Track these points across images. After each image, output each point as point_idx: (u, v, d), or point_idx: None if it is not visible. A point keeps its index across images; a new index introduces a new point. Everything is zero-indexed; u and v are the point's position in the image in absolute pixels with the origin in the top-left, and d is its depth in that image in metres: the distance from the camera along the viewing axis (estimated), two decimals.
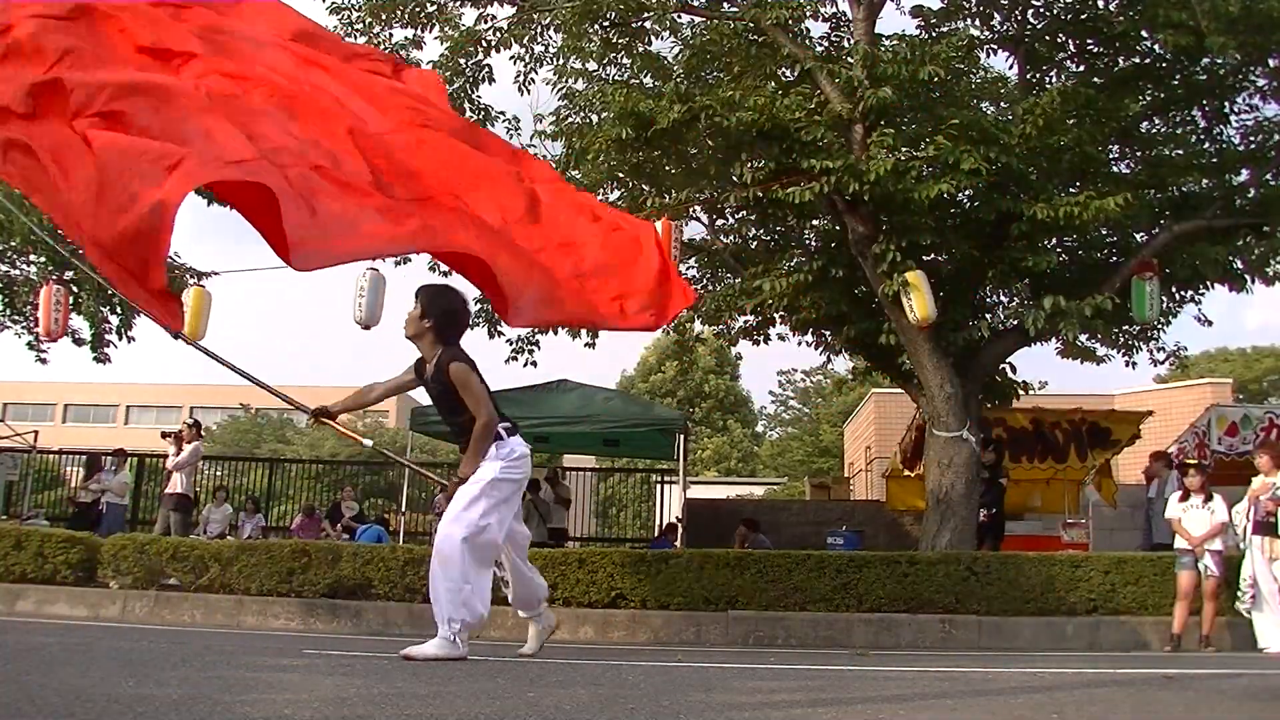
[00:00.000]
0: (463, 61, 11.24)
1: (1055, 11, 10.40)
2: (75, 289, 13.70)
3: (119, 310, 15.26)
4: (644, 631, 7.82)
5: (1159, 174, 10.53)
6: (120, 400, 54.35)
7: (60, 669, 3.61)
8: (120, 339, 15.40)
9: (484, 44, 11.17)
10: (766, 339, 12.55)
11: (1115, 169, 10.98)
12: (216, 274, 12.31)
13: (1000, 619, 7.90)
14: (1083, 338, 10.50)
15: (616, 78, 10.91)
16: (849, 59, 9.80)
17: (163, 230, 3.71)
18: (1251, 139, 10.40)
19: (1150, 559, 8.46)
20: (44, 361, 15.71)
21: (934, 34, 10.43)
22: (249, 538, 12.63)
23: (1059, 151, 9.72)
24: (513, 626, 7.91)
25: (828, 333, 12.00)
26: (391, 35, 11.22)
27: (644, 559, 8.33)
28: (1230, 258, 10.09)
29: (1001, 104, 11.27)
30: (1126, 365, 11.95)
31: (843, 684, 4.20)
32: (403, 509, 15.18)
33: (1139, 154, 11.00)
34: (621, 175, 11.30)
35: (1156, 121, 10.90)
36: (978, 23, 10.64)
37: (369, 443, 5.29)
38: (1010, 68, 11.12)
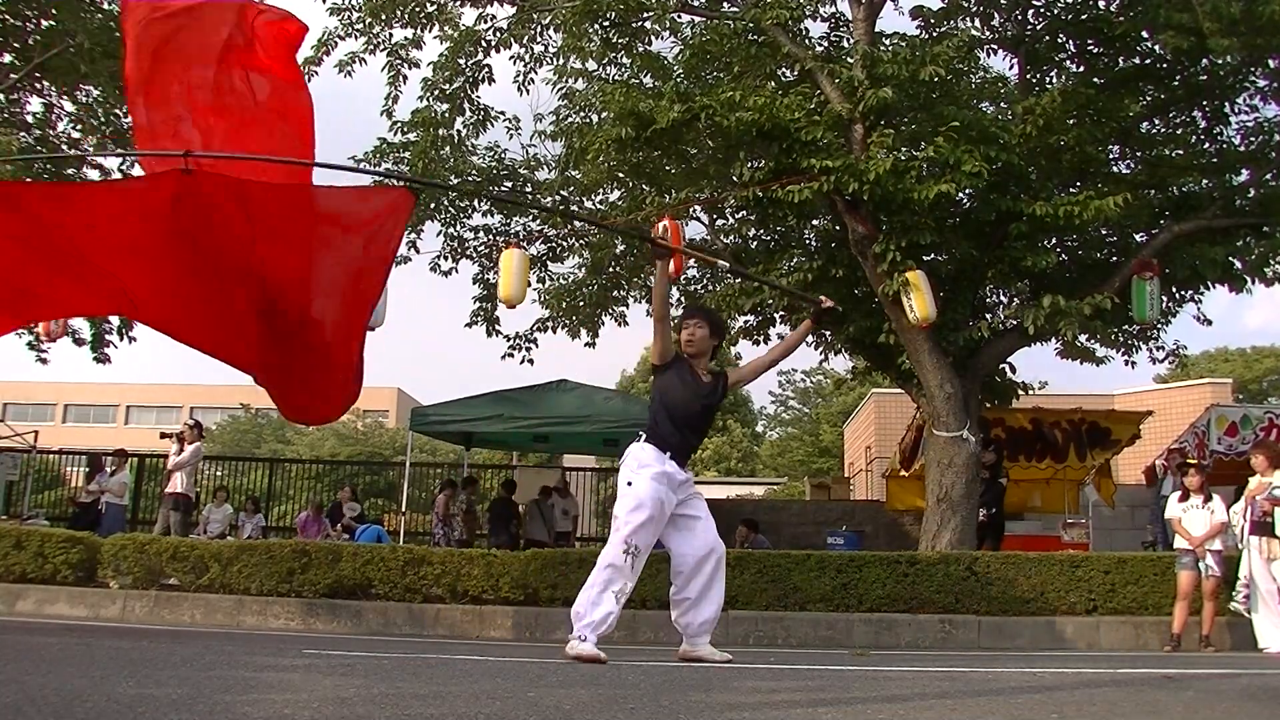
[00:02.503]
0: (463, 61, 11.24)
1: (1055, 12, 10.40)
2: None
3: None
4: (644, 631, 7.82)
5: (1159, 174, 10.53)
6: (120, 400, 54.37)
7: (60, 669, 3.62)
8: (120, 339, 15.40)
9: (484, 44, 11.17)
10: (766, 339, 12.57)
11: (1115, 169, 10.98)
12: None
13: (1000, 619, 7.90)
14: (1082, 338, 10.49)
15: (616, 78, 10.91)
16: (849, 59, 9.81)
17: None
18: (1251, 139, 10.40)
19: (1150, 559, 8.46)
20: (44, 361, 15.69)
21: (934, 34, 10.43)
22: (249, 538, 12.62)
23: (1059, 151, 9.72)
24: (512, 626, 7.92)
25: (827, 332, 12.02)
26: (391, 35, 11.23)
27: None
28: (1230, 258, 10.09)
29: (1001, 104, 11.28)
30: (1126, 365, 11.96)
31: (843, 684, 4.20)
32: (403, 509, 15.19)
33: (1139, 154, 11.00)
34: (621, 175, 11.31)
35: (1156, 122, 10.90)
36: (978, 23, 10.64)
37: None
38: (1010, 68, 11.14)
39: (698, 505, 4.98)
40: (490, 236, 12.97)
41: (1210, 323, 11.76)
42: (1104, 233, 10.78)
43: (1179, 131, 10.82)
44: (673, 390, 4.96)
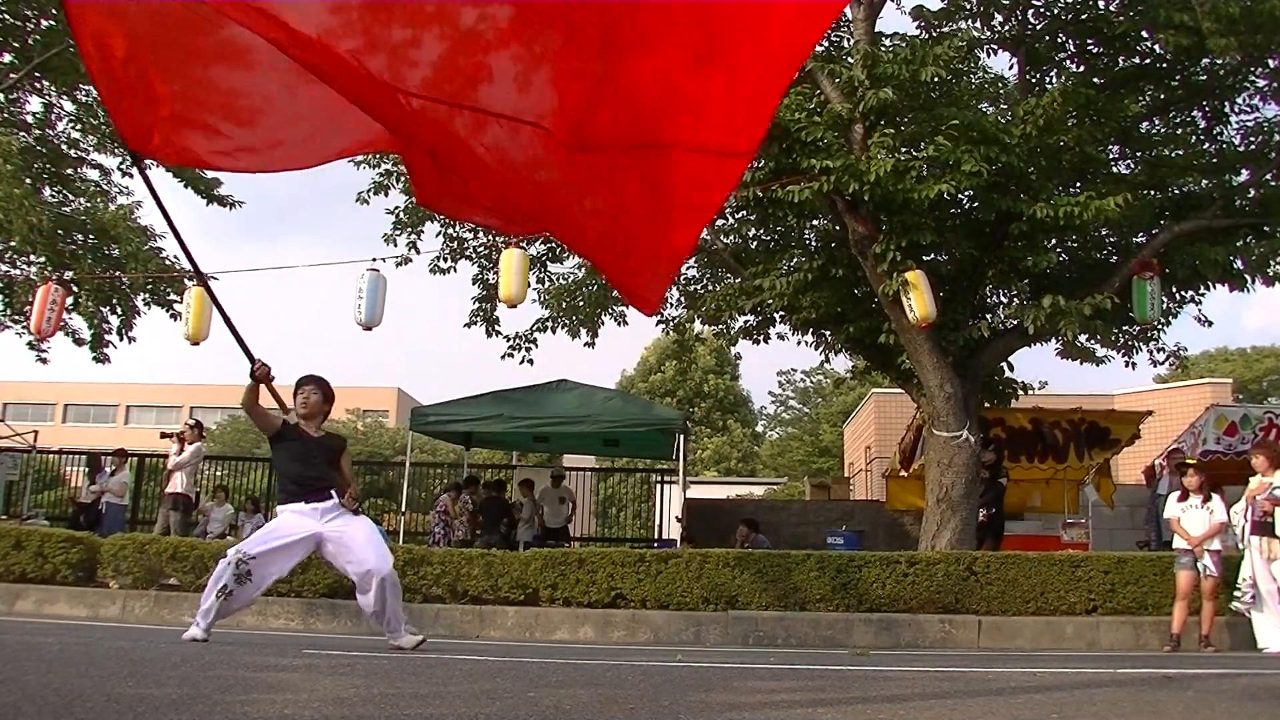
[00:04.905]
0: None
1: (1055, 11, 10.40)
2: (74, 289, 13.68)
3: (119, 310, 15.24)
4: (644, 631, 7.83)
5: (1159, 174, 10.54)
6: (120, 400, 54.34)
7: (60, 669, 3.61)
8: (120, 339, 15.38)
9: None
10: (766, 338, 12.57)
11: (1115, 169, 10.99)
12: (215, 278, 12.25)
13: (1000, 619, 7.90)
14: (1082, 338, 10.49)
15: None
16: (849, 59, 9.80)
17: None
18: (1251, 139, 10.40)
19: (1150, 559, 8.46)
20: (44, 361, 15.68)
21: (934, 34, 10.43)
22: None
23: (1059, 151, 9.72)
24: (513, 626, 7.93)
25: (827, 332, 12.01)
26: None
27: (644, 559, 8.34)
28: (1230, 258, 10.09)
29: (1001, 104, 11.28)
30: (1126, 365, 11.95)
31: (843, 684, 4.20)
32: (402, 509, 15.18)
33: (1139, 154, 11.00)
34: None
35: (1156, 122, 10.91)
36: (978, 23, 10.64)
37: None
38: (1010, 68, 11.14)
39: (353, 524, 5.47)
40: (490, 237, 12.95)
41: (1210, 323, 11.77)
42: (1104, 233, 10.78)
43: (1179, 131, 10.82)
44: (287, 459, 5.54)
